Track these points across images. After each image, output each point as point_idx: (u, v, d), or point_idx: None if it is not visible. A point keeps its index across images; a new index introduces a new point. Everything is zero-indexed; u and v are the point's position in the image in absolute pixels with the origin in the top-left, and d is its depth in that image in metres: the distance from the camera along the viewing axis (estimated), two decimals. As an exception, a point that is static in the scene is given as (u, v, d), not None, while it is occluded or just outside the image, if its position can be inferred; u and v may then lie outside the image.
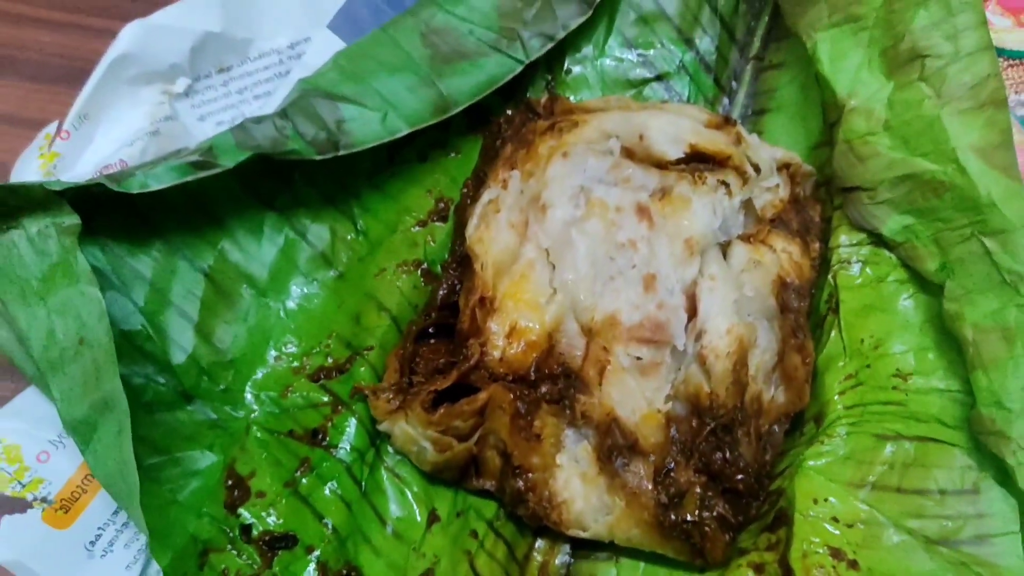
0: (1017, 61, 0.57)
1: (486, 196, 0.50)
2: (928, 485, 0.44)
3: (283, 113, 0.48)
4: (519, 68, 0.53)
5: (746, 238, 0.49)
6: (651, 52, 0.57)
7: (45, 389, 0.43)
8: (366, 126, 0.49)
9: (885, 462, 0.45)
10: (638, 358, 0.46)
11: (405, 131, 0.50)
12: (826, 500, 0.44)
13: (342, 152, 0.48)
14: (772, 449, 0.49)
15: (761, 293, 0.48)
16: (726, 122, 0.51)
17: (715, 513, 0.46)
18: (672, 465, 0.46)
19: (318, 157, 0.48)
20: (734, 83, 0.57)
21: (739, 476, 0.46)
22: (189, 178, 0.44)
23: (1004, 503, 0.43)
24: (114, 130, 0.55)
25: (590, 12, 0.55)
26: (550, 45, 0.54)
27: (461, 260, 0.51)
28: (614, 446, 0.46)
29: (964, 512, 0.43)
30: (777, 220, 0.51)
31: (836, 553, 0.43)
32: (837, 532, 0.44)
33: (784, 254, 0.49)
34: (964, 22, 0.47)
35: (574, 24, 0.54)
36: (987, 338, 0.43)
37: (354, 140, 0.49)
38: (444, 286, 0.52)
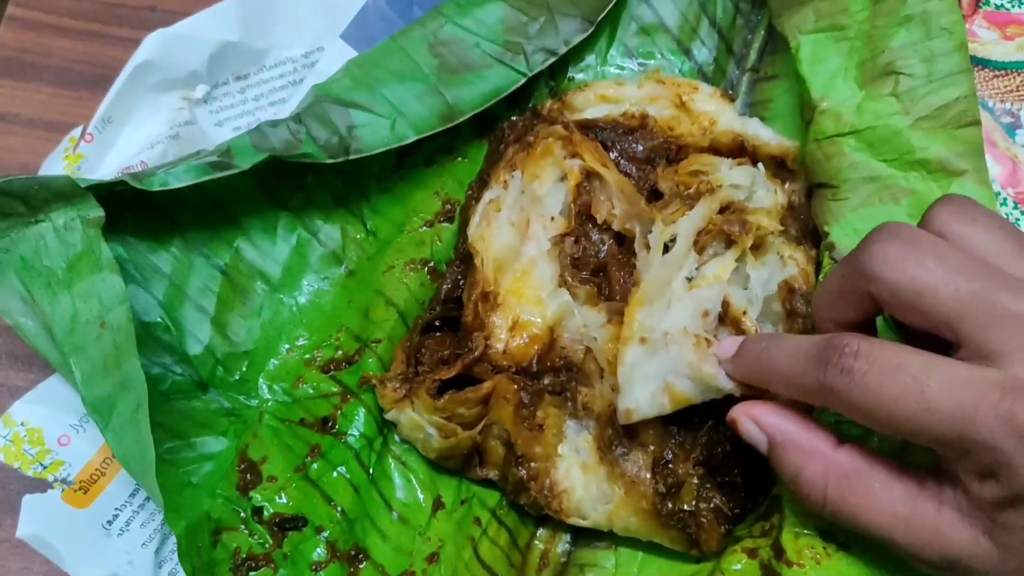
0: (1003, 71, 0.59)
1: (487, 196, 0.52)
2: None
3: (297, 117, 0.50)
4: (522, 80, 0.55)
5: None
6: (651, 62, 0.59)
7: (67, 374, 0.45)
8: (376, 132, 0.52)
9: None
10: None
11: (413, 138, 0.52)
12: (816, 484, 0.46)
13: (352, 156, 0.50)
14: None
15: (768, 299, 0.49)
16: (730, 101, 0.54)
17: (712, 505, 0.47)
18: (671, 456, 0.48)
19: (329, 160, 0.50)
20: (731, 92, 0.59)
21: (737, 470, 0.48)
22: (207, 178, 0.46)
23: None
24: (136, 134, 0.57)
25: (592, 29, 0.57)
26: (552, 59, 0.56)
27: (464, 257, 0.53)
28: (614, 436, 0.47)
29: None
30: None
31: (826, 534, 0.44)
32: (827, 514, 0.45)
33: (791, 261, 0.50)
34: (941, 47, 0.49)
35: (576, 40, 0.56)
36: None
37: (364, 145, 0.51)
38: (448, 281, 0.53)
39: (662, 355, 0.45)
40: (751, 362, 0.42)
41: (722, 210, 0.49)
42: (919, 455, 0.39)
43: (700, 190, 0.50)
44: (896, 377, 0.34)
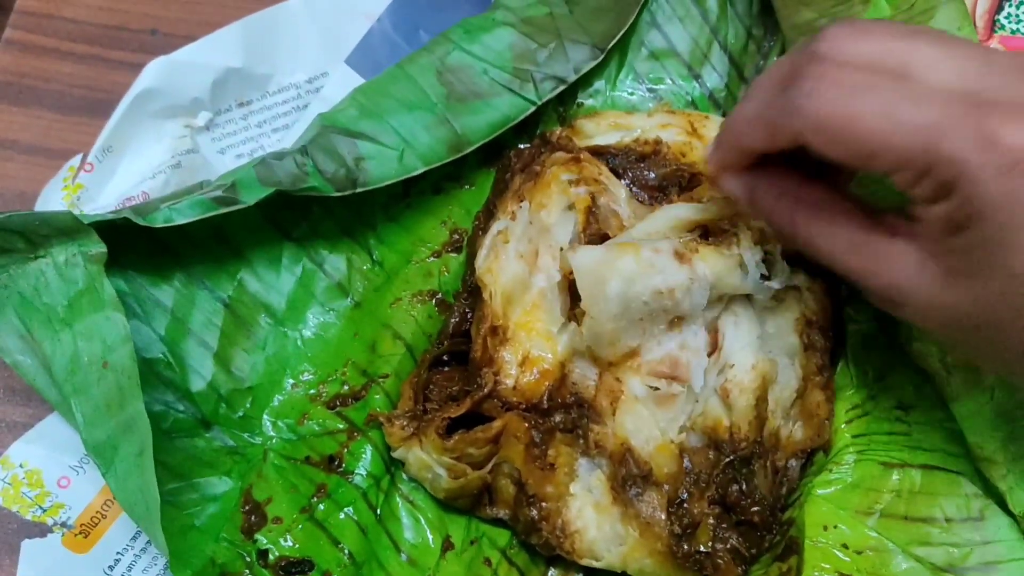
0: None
1: (495, 227, 0.51)
2: (934, 513, 0.45)
3: (303, 149, 0.49)
4: (531, 109, 0.54)
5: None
6: (661, 87, 0.58)
7: (68, 414, 0.44)
8: (383, 164, 0.51)
9: (892, 490, 0.46)
10: (654, 388, 0.46)
11: (421, 169, 0.51)
12: (835, 527, 0.45)
13: (360, 189, 0.50)
14: (788, 484, 0.49)
15: (783, 330, 0.48)
16: None
17: (728, 545, 0.46)
18: (686, 496, 0.46)
19: (336, 194, 0.49)
20: (742, 120, 0.58)
21: (754, 508, 0.47)
22: (212, 213, 0.45)
23: (1010, 530, 0.44)
24: (137, 163, 0.56)
25: (601, 57, 0.56)
26: (561, 87, 0.55)
27: (472, 290, 0.52)
28: (628, 476, 0.46)
29: (970, 539, 0.44)
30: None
31: (849, 581, 0.44)
32: (847, 559, 0.44)
33: (808, 293, 0.50)
34: None
35: (586, 68, 0.55)
36: (957, 372, 0.45)
37: (371, 178, 0.50)
38: (456, 314, 0.52)
39: None
40: (728, 133, 0.42)
41: None
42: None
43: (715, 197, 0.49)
44: (865, 95, 0.33)
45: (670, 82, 0.58)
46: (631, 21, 0.56)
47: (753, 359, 0.46)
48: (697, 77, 0.58)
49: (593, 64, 0.56)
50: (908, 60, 0.34)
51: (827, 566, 0.44)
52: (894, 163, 0.33)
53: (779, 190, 0.40)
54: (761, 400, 0.46)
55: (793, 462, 0.49)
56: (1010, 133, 0.31)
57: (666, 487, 0.46)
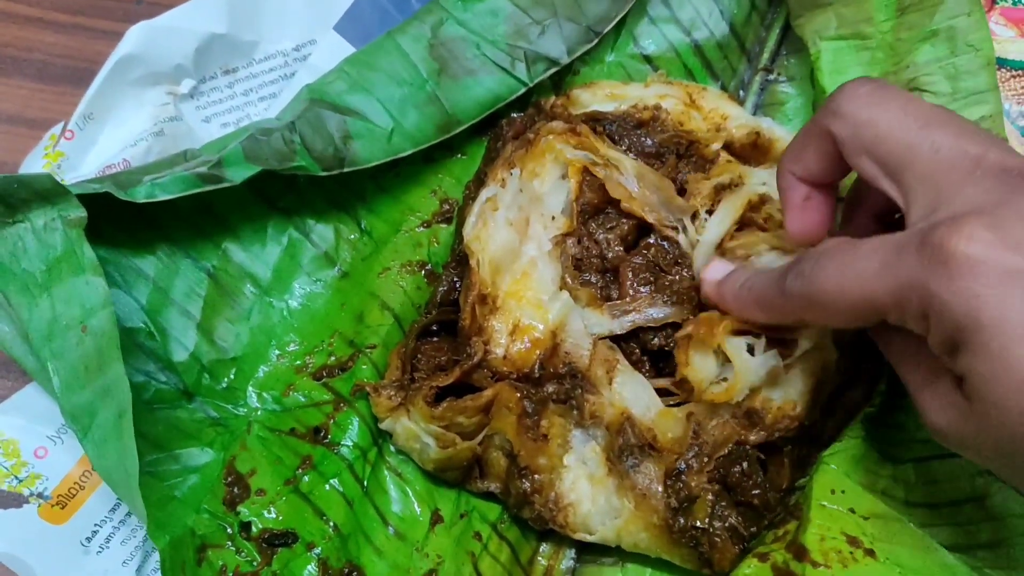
0: (1020, 72, 0.57)
1: (484, 194, 0.50)
2: (935, 500, 0.44)
3: (291, 125, 0.48)
4: (523, 90, 0.54)
5: None
6: (658, 54, 0.57)
7: (45, 381, 0.43)
8: (372, 143, 0.50)
9: (889, 476, 0.45)
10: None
11: (409, 151, 0.51)
12: (843, 492, 0.44)
13: (347, 169, 0.49)
14: (804, 470, 0.48)
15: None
16: (739, 103, 0.52)
17: (727, 524, 0.45)
18: (684, 467, 0.45)
19: (323, 173, 0.48)
20: (741, 92, 0.57)
21: (755, 491, 0.45)
22: (196, 190, 0.44)
23: (1017, 507, 0.42)
24: (119, 130, 0.54)
25: (596, 40, 0.55)
26: (554, 70, 0.54)
27: (460, 259, 0.51)
28: (625, 446, 0.45)
29: (975, 517, 0.43)
30: None
31: (853, 541, 0.42)
32: (854, 523, 0.43)
33: None
34: (967, 64, 0.48)
35: (580, 51, 0.55)
36: None
37: (359, 158, 0.49)
38: (444, 283, 0.51)
39: None
40: (731, 291, 0.43)
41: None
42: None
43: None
44: (833, 266, 0.35)
45: (669, 51, 0.57)
46: (627, 9, 0.55)
47: (818, 339, 0.45)
48: (696, 46, 0.57)
49: (587, 47, 0.55)
50: None
51: (834, 526, 0.43)
52: (882, 311, 0.34)
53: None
54: (816, 386, 0.45)
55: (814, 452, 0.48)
56: (956, 243, 0.31)
57: (665, 454, 0.45)
